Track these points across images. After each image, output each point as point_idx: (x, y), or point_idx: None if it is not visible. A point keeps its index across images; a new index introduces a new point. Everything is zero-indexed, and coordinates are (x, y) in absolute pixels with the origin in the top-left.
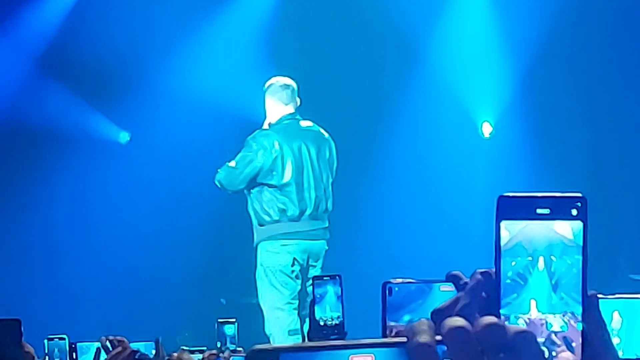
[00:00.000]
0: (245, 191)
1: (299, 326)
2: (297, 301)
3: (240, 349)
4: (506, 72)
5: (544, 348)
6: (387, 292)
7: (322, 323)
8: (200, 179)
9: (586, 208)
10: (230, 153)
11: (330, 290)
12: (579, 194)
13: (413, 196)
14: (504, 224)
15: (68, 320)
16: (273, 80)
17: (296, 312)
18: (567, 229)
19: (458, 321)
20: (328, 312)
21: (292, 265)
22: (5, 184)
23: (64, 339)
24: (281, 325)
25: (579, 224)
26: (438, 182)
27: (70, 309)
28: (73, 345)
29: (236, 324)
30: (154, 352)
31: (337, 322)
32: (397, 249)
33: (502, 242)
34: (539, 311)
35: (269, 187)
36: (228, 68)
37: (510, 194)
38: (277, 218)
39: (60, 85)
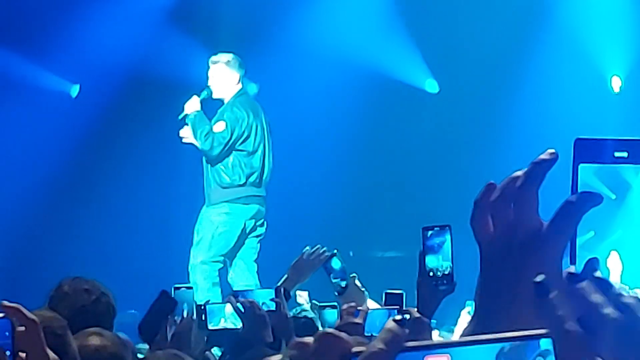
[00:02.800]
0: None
1: (218, 279)
2: (228, 259)
3: (354, 275)
4: (637, 22)
5: None
6: None
7: (431, 274)
8: (329, 132)
9: None
10: (358, 106)
11: (448, 240)
12: None
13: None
14: (586, 167)
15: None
16: (228, 56)
17: (219, 269)
18: None
19: None
20: (440, 261)
21: (242, 227)
22: (134, 136)
23: (191, 288)
24: (206, 277)
25: None
26: (565, 140)
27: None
28: (202, 307)
29: (338, 256)
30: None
31: (447, 272)
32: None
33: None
34: None
35: (239, 152)
36: (355, 22)
37: (588, 137)
38: (242, 182)
39: (190, 38)
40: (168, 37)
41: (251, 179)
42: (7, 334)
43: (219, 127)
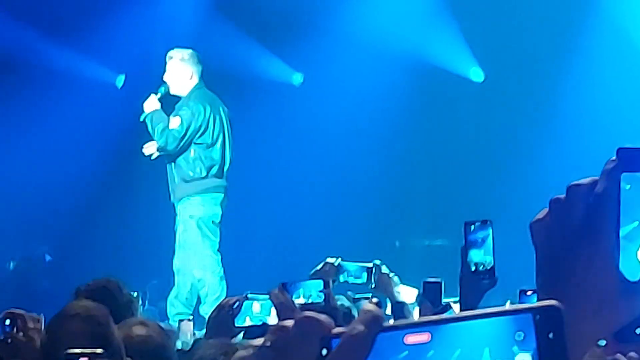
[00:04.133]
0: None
1: (223, 272)
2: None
3: (378, 262)
4: None
5: None
6: None
7: (473, 268)
8: (374, 120)
9: None
10: (402, 94)
11: (490, 234)
12: None
13: (585, 154)
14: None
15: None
16: (184, 52)
17: (220, 257)
18: None
19: None
20: (483, 256)
21: (220, 216)
22: None
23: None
24: (213, 270)
25: None
26: (614, 134)
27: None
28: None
29: (343, 264)
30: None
31: (489, 267)
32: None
33: None
34: None
35: (198, 145)
36: (403, 13)
37: (630, 147)
38: (204, 174)
39: (235, 27)
40: (214, 27)
41: (212, 171)
42: None
43: (174, 123)
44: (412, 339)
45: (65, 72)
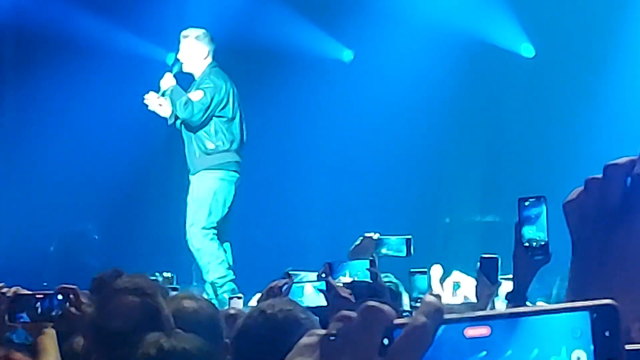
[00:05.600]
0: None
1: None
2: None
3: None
4: None
5: None
6: None
7: (527, 244)
8: (425, 96)
9: None
10: (453, 70)
11: (543, 211)
12: None
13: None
14: None
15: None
16: (198, 31)
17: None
18: None
19: None
20: (536, 232)
21: (234, 193)
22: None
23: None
24: (212, 239)
25: None
26: None
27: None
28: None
29: (383, 240)
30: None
31: (543, 243)
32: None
33: None
34: None
35: (218, 118)
36: None
37: None
38: (227, 147)
39: (284, 3)
40: (264, 5)
41: (234, 146)
42: None
43: (197, 95)
44: (472, 331)
45: (116, 49)
